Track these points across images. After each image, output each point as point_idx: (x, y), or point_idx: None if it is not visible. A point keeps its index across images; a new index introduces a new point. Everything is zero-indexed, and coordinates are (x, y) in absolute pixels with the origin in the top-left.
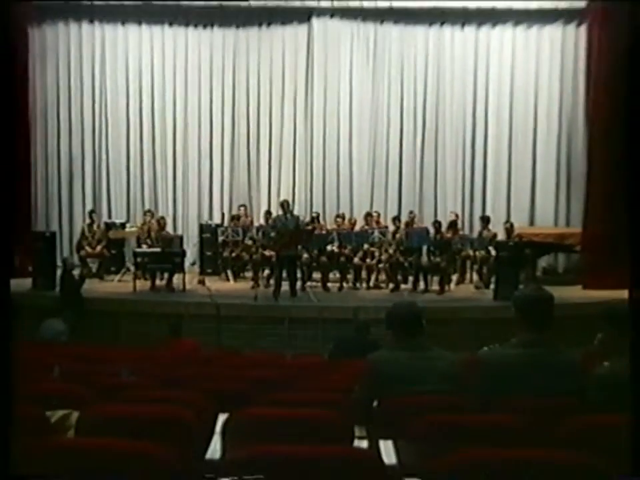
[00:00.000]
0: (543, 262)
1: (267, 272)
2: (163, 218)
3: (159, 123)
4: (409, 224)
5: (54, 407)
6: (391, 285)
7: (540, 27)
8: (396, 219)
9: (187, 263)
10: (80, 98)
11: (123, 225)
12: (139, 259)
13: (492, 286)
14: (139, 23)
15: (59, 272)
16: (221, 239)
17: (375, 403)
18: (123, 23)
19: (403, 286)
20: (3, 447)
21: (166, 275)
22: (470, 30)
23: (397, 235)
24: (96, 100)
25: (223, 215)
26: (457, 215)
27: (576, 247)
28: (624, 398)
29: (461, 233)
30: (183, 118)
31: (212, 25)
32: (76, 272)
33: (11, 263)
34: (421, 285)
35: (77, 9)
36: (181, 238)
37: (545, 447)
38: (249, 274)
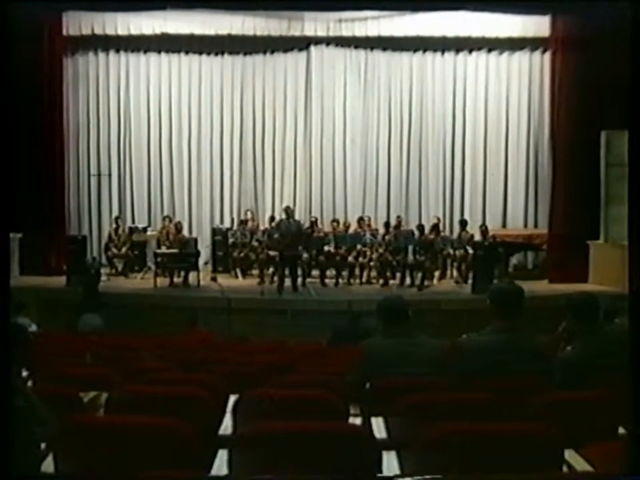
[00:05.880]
0: (514, 259)
1: (271, 270)
2: (179, 222)
3: (176, 139)
4: (397, 227)
5: (86, 389)
6: (381, 281)
7: (510, 53)
8: (386, 224)
9: (201, 262)
10: (107, 118)
11: (144, 229)
12: (159, 259)
13: (470, 281)
14: (159, 52)
15: None
16: (230, 240)
17: (367, 384)
18: (145, 52)
19: (391, 281)
20: (3, 447)
21: (183, 273)
22: (449, 56)
23: (386, 237)
24: (121, 120)
25: (232, 219)
26: (438, 219)
27: (543, 246)
28: (584, 377)
29: (442, 234)
30: (197, 135)
31: (222, 53)
32: (102, 270)
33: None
34: (407, 281)
35: (105, 40)
36: (196, 240)
37: (515, 420)
38: (256, 272)
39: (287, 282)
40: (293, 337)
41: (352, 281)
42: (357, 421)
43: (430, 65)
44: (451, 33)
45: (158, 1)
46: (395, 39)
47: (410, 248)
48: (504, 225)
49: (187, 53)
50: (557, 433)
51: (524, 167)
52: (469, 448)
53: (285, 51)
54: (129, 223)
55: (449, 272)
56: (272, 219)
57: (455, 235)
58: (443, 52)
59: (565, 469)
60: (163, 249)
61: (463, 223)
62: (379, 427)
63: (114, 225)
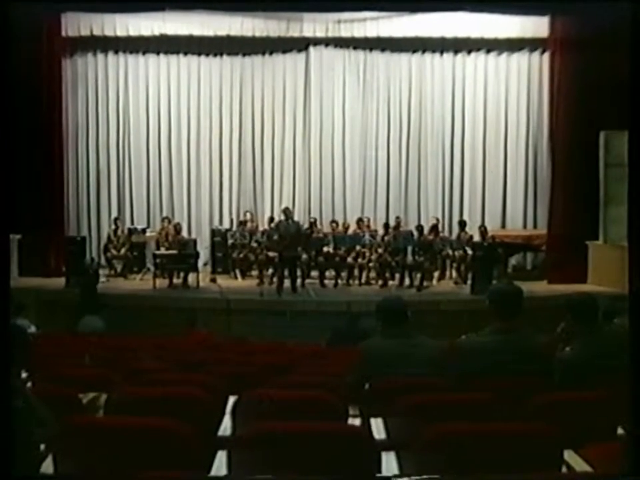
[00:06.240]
0: (513, 260)
1: (270, 271)
2: (178, 224)
3: (175, 140)
4: (396, 227)
5: (85, 390)
6: (380, 282)
7: (509, 54)
8: (386, 225)
9: (200, 264)
10: (106, 119)
11: (143, 230)
12: (158, 260)
13: (469, 281)
14: (158, 53)
15: None
16: (230, 241)
17: (367, 385)
18: (144, 53)
19: (390, 282)
20: (3, 448)
21: (182, 274)
22: (448, 57)
23: (385, 237)
24: (120, 120)
25: (231, 220)
26: (437, 220)
27: (542, 247)
28: (583, 378)
29: (441, 235)
30: (196, 135)
31: (221, 54)
32: (102, 272)
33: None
34: (407, 281)
35: (104, 41)
36: (195, 241)
37: (514, 420)
38: (255, 273)
39: (286, 283)
40: (292, 338)
41: (351, 281)
42: (356, 421)
43: (429, 66)
44: (449, 33)
45: (157, 2)
46: (393, 40)
47: (409, 249)
48: (503, 226)
49: (185, 54)
50: (556, 433)
51: (523, 167)
52: (467, 448)
53: (284, 51)
54: (128, 224)
55: (448, 272)
56: (271, 219)
57: (454, 236)
58: (441, 53)
59: (564, 469)
60: (162, 250)
61: (462, 224)
62: (378, 428)
63: (113, 226)
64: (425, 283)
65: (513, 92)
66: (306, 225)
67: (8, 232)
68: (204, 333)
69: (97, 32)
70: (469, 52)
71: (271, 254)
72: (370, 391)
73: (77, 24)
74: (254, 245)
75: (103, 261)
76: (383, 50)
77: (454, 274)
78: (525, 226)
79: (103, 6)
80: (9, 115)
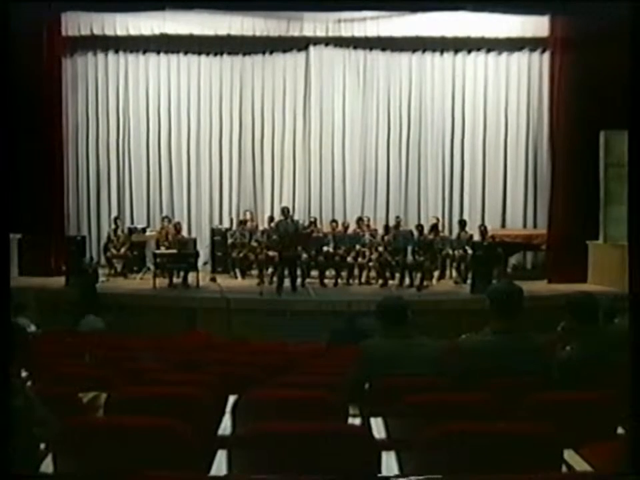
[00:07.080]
0: (513, 259)
1: (270, 270)
2: (178, 223)
3: (175, 139)
4: (396, 227)
5: (85, 389)
6: (380, 281)
7: (509, 53)
8: (386, 226)
9: (200, 263)
10: (106, 118)
11: (143, 230)
12: (158, 260)
13: (469, 281)
14: (158, 52)
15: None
16: (229, 241)
17: (367, 385)
18: (144, 53)
19: (390, 282)
20: (2, 447)
21: (182, 274)
22: (448, 57)
23: (385, 237)
24: (120, 120)
25: (231, 220)
26: (437, 219)
27: (542, 246)
28: (583, 377)
29: (441, 234)
30: (196, 135)
31: (221, 53)
32: (101, 271)
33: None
34: (407, 281)
35: (104, 40)
36: (195, 240)
37: (514, 420)
38: (255, 272)
39: (286, 282)
40: (292, 338)
41: (351, 281)
42: (357, 421)
43: (429, 65)
44: (450, 33)
45: (157, 2)
46: (394, 39)
47: (409, 248)
48: (503, 225)
49: (185, 53)
50: (556, 433)
51: (523, 166)
52: (467, 448)
53: (284, 51)
54: (128, 224)
55: (448, 272)
56: (271, 219)
57: (454, 235)
58: (442, 52)
59: (564, 469)
60: (162, 250)
61: (462, 223)
62: (378, 428)
63: (113, 226)
64: (425, 283)
65: (513, 91)
66: (306, 225)
67: (8, 232)
68: (203, 332)
69: (97, 31)
70: (469, 51)
71: (270, 253)
72: (370, 391)
73: (77, 23)
74: (254, 244)
75: (103, 261)
76: (383, 49)
77: (454, 273)
78: (525, 225)
79: (103, 5)
80: (9, 114)
